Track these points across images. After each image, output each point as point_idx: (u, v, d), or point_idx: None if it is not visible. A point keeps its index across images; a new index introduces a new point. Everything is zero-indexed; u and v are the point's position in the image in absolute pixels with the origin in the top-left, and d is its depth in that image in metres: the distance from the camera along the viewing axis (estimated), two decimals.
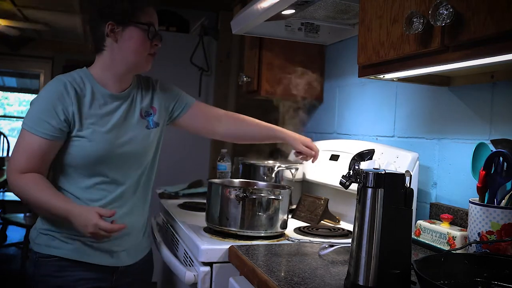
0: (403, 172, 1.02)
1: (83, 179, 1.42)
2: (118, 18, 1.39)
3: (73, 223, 1.30)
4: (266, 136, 1.75)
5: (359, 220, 1.01)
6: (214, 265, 1.39)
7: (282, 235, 1.57)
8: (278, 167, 2.06)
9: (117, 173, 1.45)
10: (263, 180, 2.04)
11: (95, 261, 1.42)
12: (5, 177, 4.03)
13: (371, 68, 1.35)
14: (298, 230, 1.69)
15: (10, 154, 5.33)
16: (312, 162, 1.76)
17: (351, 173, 1.10)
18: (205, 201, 1.63)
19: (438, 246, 1.36)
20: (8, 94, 7.92)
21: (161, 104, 1.59)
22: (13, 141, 6.77)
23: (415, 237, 1.44)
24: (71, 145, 1.40)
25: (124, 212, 1.46)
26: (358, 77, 1.43)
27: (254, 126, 1.74)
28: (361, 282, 0.99)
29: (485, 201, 1.19)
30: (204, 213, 1.62)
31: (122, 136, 1.46)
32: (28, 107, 1.41)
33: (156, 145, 1.57)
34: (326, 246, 1.34)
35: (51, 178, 1.44)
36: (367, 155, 1.18)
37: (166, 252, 1.65)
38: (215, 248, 1.40)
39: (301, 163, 2.19)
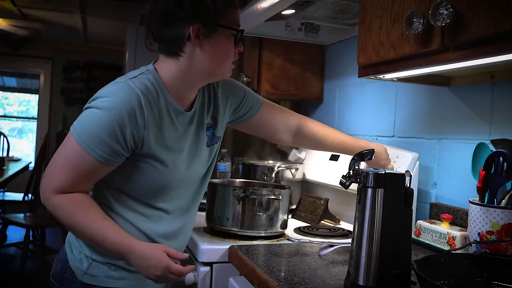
0: (403, 172, 1.02)
1: (136, 205, 1.21)
2: (206, 20, 1.11)
3: (134, 262, 1.11)
4: (345, 153, 1.57)
5: (359, 220, 1.01)
6: (214, 265, 1.39)
7: (282, 235, 1.57)
8: (278, 167, 2.06)
9: (172, 202, 1.25)
10: (263, 180, 2.04)
11: None
12: (5, 177, 4.03)
13: (371, 68, 1.35)
14: (298, 230, 1.69)
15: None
16: None
17: (351, 173, 1.10)
18: (205, 201, 1.63)
19: (438, 246, 1.36)
20: (8, 94, 7.92)
21: (224, 111, 1.35)
22: (13, 141, 6.78)
23: (415, 237, 1.44)
24: (131, 171, 1.16)
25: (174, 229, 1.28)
26: (358, 77, 1.43)
27: (334, 144, 1.54)
28: (361, 282, 0.99)
29: (485, 201, 1.19)
30: (204, 213, 1.62)
31: (192, 162, 1.26)
32: (29, 106, 1.27)
33: (214, 159, 1.36)
34: (326, 246, 1.34)
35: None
36: (367, 155, 1.18)
37: None
38: (215, 248, 1.40)
39: (301, 163, 2.19)
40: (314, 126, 1.54)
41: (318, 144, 1.55)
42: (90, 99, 1.14)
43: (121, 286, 1.20)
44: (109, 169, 1.14)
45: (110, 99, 1.10)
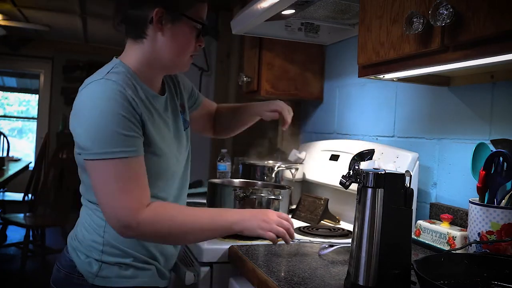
0: (403, 172, 1.02)
1: None
2: (170, 7, 1.15)
3: (248, 223, 1.16)
4: (247, 119, 1.59)
5: (359, 220, 1.01)
6: (214, 265, 1.39)
7: None
8: (278, 167, 2.06)
9: (168, 190, 1.26)
10: (263, 180, 2.04)
11: (163, 284, 1.28)
12: (5, 177, 4.02)
13: (371, 68, 1.35)
14: (298, 230, 1.69)
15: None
16: (283, 126, 1.59)
17: (351, 173, 1.10)
18: (205, 201, 1.63)
19: (438, 246, 1.36)
20: (8, 94, 7.93)
21: (185, 97, 1.41)
22: (13, 141, 6.78)
23: (415, 237, 1.44)
24: None
25: None
26: (358, 77, 1.43)
27: (238, 115, 1.59)
28: (361, 282, 0.99)
29: (485, 201, 1.19)
30: None
31: (179, 147, 1.29)
32: (29, 106, 1.25)
33: (189, 144, 1.39)
34: (326, 246, 1.34)
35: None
36: (367, 155, 1.18)
37: None
38: (215, 248, 1.40)
39: (301, 163, 2.19)
40: (225, 105, 1.65)
41: (233, 120, 1.61)
42: (72, 116, 1.11)
43: (134, 284, 1.20)
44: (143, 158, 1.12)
45: (98, 96, 1.08)
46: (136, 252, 1.20)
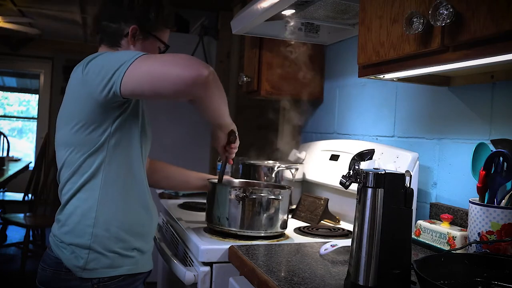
0: (403, 172, 1.02)
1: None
2: (144, 26, 1.38)
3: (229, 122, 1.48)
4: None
5: (359, 220, 1.01)
6: (214, 265, 1.39)
7: (282, 235, 1.57)
8: (278, 167, 2.06)
9: None
10: (263, 180, 2.04)
11: (147, 269, 1.37)
12: (5, 177, 4.02)
13: (371, 68, 1.35)
14: (298, 230, 1.69)
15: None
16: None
17: (351, 173, 1.10)
18: (205, 201, 1.63)
19: (438, 246, 1.36)
20: (8, 94, 7.93)
21: None
22: (13, 141, 6.77)
23: (415, 237, 1.44)
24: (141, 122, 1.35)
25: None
26: (358, 77, 1.43)
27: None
28: (361, 282, 0.99)
29: (485, 201, 1.19)
30: (204, 213, 1.62)
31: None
32: (29, 106, 1.36)
33: None
34: (327, 246, 1.34)
35: (122, 180, 1.31)
36: (367, 155, 1.18)
37: (166, 252, 1.65)
38: (215, 248, 1.40)
39: (301, 163, 2.19)
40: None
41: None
42: (92, 66, 1.25)
43: (120, 273, 1.28)
44: None
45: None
46: (120, 242, 1.28)
